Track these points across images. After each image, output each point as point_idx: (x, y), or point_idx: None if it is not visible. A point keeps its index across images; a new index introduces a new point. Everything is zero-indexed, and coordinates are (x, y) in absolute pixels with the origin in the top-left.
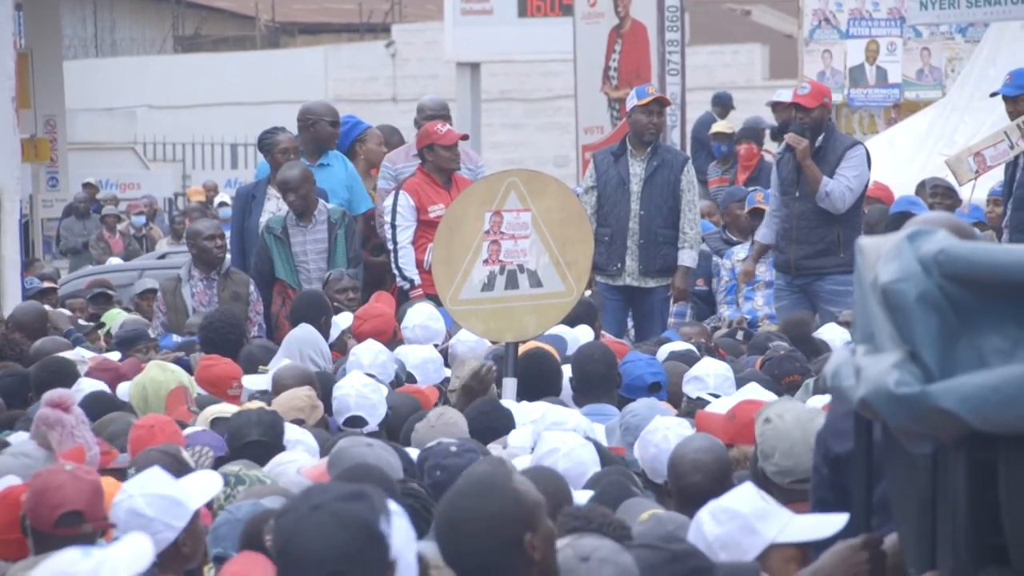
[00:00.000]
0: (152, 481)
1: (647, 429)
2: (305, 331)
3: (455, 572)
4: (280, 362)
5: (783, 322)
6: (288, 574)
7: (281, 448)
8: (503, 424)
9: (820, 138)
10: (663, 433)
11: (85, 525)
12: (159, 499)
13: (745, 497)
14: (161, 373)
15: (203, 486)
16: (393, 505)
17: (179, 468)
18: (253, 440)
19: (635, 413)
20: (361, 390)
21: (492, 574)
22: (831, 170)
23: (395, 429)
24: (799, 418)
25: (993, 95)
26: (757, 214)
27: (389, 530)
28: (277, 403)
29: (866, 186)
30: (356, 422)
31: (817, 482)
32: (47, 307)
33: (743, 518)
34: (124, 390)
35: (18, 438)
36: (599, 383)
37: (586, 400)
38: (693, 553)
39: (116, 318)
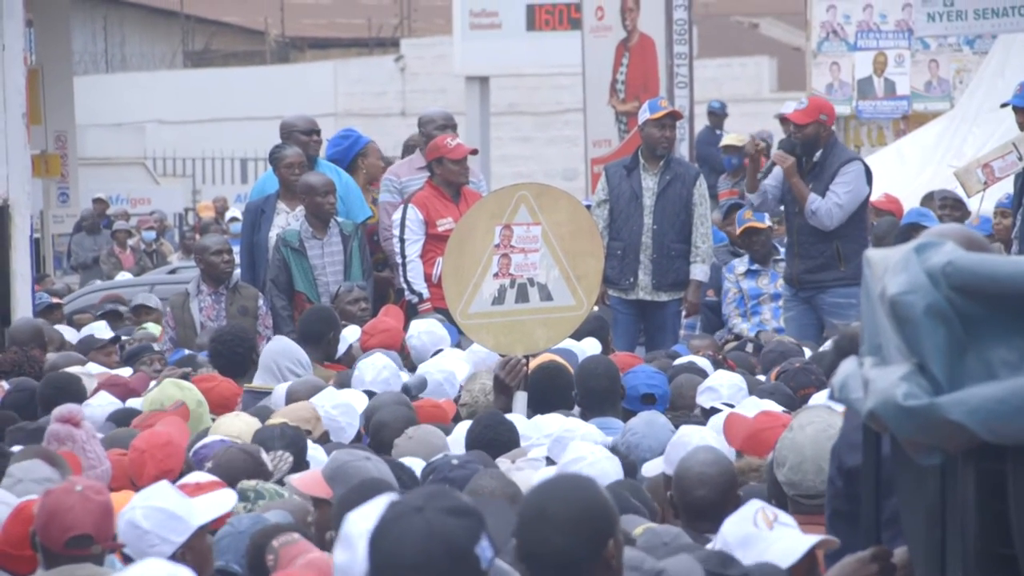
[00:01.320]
0: (156, 495)
1: (677, 437)
2: (279, 343)
3: (529, 567)
4: (262, 376)
5: (838, 337)
6: (370, 565)
7: (304, 462)
8: (507, 437)
9: (818, 154)
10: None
11: (95, 547)
12: (157, 512)
13: (738, 520)
14: (177, 391)
15: (213, 504)
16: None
17: (256, 470)
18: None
19: (634, 431)
20: (330, 412)
21: (568, 569)
22: (825, 186)
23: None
24: (816, 434)
25: (1003, 106)
26: (750, 233)
27: (484, 555)
28: (283, 415)
29: (864, 201)
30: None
31: (832, 493)
32: (42, 322)
33: (728, 548)
34: (138, 405)
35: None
36: (603, 397)
37: (591, 415)
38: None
39: (153, 331)
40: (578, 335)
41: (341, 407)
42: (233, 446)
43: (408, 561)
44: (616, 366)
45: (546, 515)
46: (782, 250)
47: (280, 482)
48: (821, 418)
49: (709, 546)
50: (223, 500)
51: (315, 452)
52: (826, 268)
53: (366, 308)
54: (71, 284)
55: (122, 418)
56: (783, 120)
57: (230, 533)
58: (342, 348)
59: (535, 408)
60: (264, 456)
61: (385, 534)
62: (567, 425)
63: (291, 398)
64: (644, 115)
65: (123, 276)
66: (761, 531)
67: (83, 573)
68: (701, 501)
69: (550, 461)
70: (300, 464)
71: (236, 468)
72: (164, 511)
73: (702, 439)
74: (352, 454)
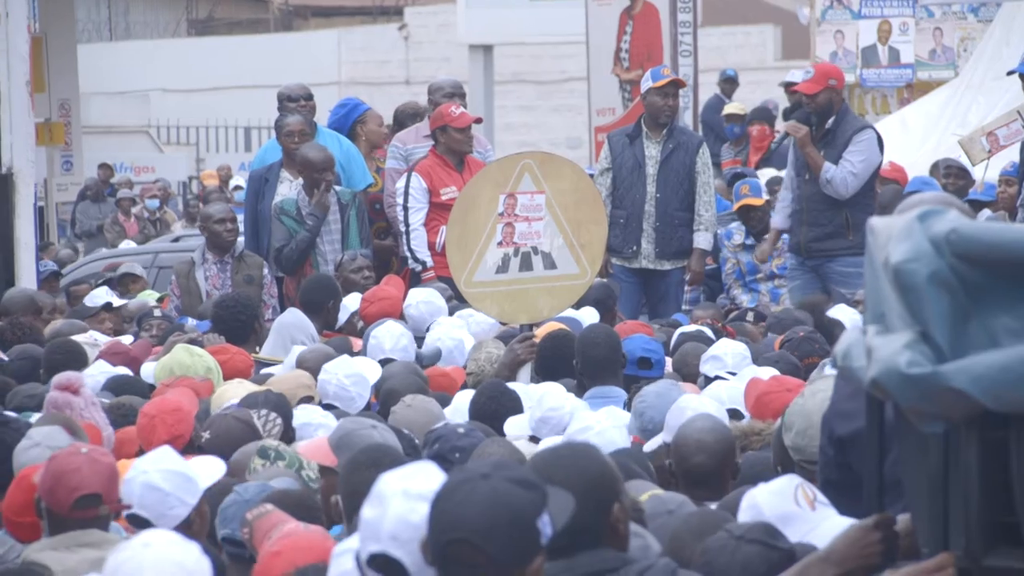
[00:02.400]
0: (165, 458)
1: (676, 405)
2: (293, 316)
3: None
4: (272, 347)
5: (799, 303)
6: (431, 525)
7: (291, 427)
8: (510, 407)
9: (831, 121)
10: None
11: (102, 507)
12: (174, 475)
13: (778, 496)
14: (188, 357)
15: (209, 467)
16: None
17: (251, 435)
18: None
19: (644, 399)
20: (343, 380)
21: (576, 536)
22: (839, 154)
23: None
24: (825, 401)
25: (1010, 74)
26: (747, 209)
27: (545, 529)
28: (280, 382)
29: (876, 170)
30: (330, 409)
31: (823, 463)
32: (34, 291)
33: (764, 519)
34: (149, 371)
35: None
36: (604, 366)
37: (592, 383)
38: (794, 555)
39: (146, 298)
40: (585, 303)
41: (353, 376)
42: (227, 415)
43: (471, 524)
44: (617, 335)
45: (552, 480)
46: None
47: None
48: (830, 386)
49: (742, 516)
50: (217, 466)
51: (308, 416)
52: (834, 236)
53: (369, 276)
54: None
55: (117, 387)
56: (788, 89)
57: (236, 501)
58: (343, 317)
59: (542, 376)
60: (256, 421)
61: (450, 497)
62: (551, 403)
63: (300, 366)
64: (647, 83)
65: (127, 244)
66: (804, 511)
67: (90, 540)
68: (699, 468)
69: (533, 439)
70: (287, 430)
71: (233, 436)
72: (180, 473)
73: (700, 406)
74: (358, 422)
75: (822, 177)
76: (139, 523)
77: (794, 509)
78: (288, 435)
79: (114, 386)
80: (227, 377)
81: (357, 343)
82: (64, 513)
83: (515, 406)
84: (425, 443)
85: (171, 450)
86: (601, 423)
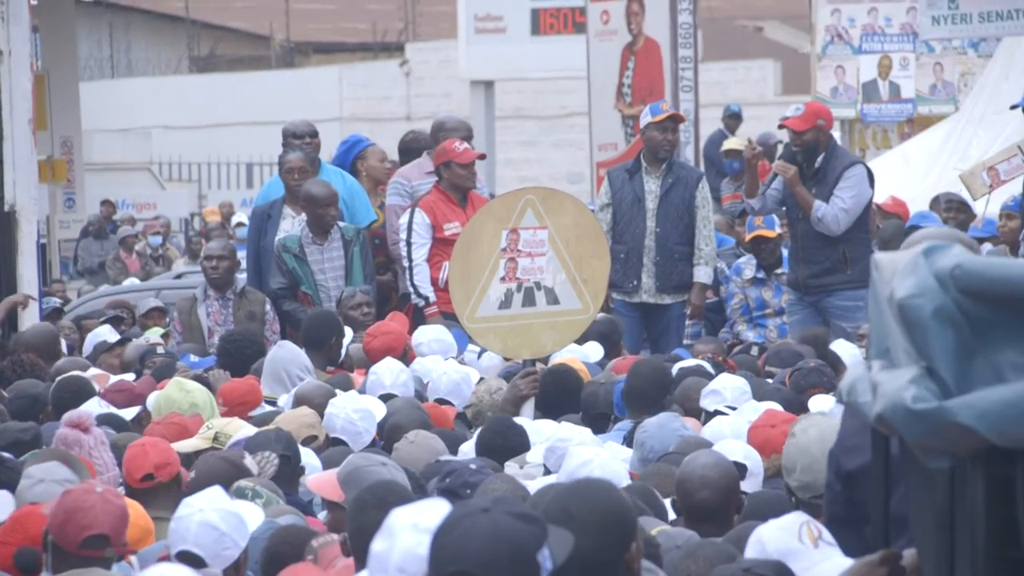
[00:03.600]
0: (219, 497)
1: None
2: (285, 350)
3: (552, 568)
4: (265, 383)
5: (800, 337)
6: (431, 559)
7: (300, 464)
8: (516, 442)
9: (820, 159)
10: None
11: (108, 550)
12: (230, 515)
13: (782, 532)
14: (177, 392)
15: (251, 511)
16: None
17: (237, 476)
18: (278, 455)
19: (645, 429)
20: (351, 415)
21: (591, 571)
22: (829, 190)
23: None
24: (822, 434)
25: (1013, 108)
26: (759, 240)
27: (545, 564)
28: (285, 420)
29: (868, 204)
30: (338, 443)
31: (830, 498)
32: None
33: (766, 555)
34: (151, 405)
35: (42, 459)
36: (648, 400)
37: (633, 416)
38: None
39: (157, 334)
40: (590, 338)
41: (361, 412)
42: (213, 454)
43: (472, 557)
44: (666, 371)
45: (571, 516)
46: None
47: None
48: (820, 421)
49: (748, 551)
50: (256, 512)
51: (309, 458)
52: (832, 272)
53: (368, 312)
54: (79, 289)
55: (106, 424)
56: (782, 126)
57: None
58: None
59: (544, 411)
60: (248, 460)
61: (451, 530)
62: (561, 434)
63: (299, 402)
64: (646, 118)
65: (129, 281)
66: (806, 547)
67: None
68: (704, 504)
69: (547, 470)
70: (295, 469)
71: (216, 475)
72: (235, 514)
73: (594, 455)
74: (367, 458)
75: (813, 216)
76: (191, 561)
77: (797, 546)
78: (298, 473)
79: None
80: (236, 402)
81: (357, 380)
82: (71, 550)
83: (522, 441)
84: (434, 475)
85: (221, 490)
86: (600, 456)
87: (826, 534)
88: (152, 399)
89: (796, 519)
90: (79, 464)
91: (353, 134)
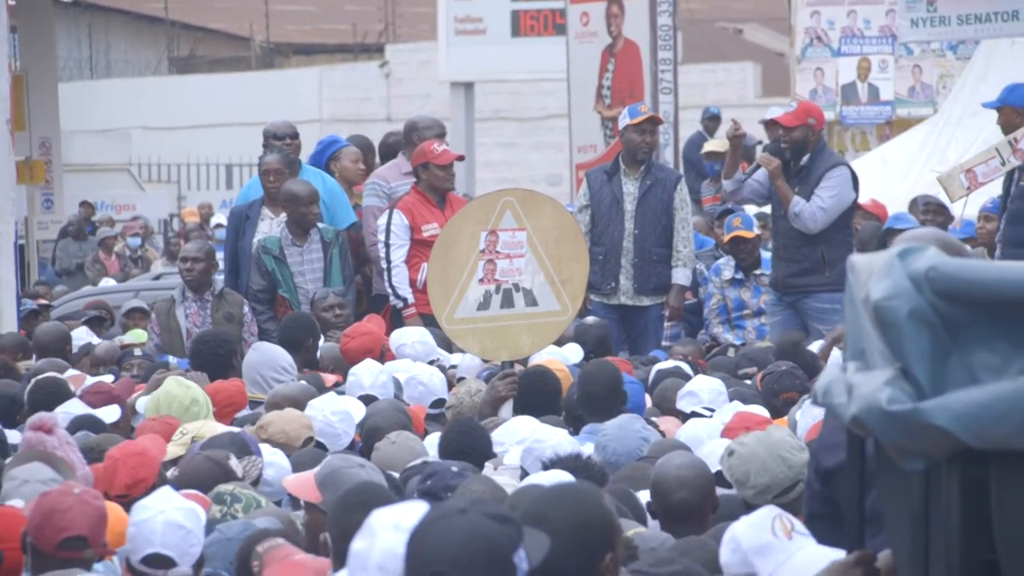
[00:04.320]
0: (174, 496)
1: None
2: (258, 353)
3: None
4: (248, 386)
5: (776, 343)
6: (407, 560)
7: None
8: (481, 445)
9: (806, 157)
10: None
11: (87, 551)
12: (190, 511)
13: (754, 528)
14: (176, 387)
15: (200, 505)
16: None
17: (223, 477)
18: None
19: (605, 433)
20: (329, 417)
21: None
22: (811, 189)
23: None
24: (758, 438)
25: (986, 106)
26: (737, 241)
27: (521, 565)
28: (283, 421)
29: (850, 207)
30: (317, 446)
31: (809, 496)
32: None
33: (741, 552)
34: (142, 405)
35: (23, 461)
36: (602, 403)
37: (591, 419)
38: (685, 573)
39: (141, 338)
40: (587, 342)
41: (340, 414)
42: (199, 454)
43: (448, 557)
44: (618, 373)
45: (544, 520)
46: (766, 258)
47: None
48: (751, 433)
49: (723, 550)
50: (203, 500)
51: (277, 459)
52: (811, 273)
53: (341, 315)
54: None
55: (82, 426)
56: (768, 125)
57: (218, 540)
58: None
59: (523, 413)
60: (233, 462)
61: (427, 531)
62: (538, 435)
63: (272, 403)
64: (624, 120)
65: (107, 282)
66: (780, 541)
67: None
68: (681, 504)
69: (524, 472)
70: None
71: (201, 476)
72: (192, 511)
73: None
74: (346, 460)
75: (790, 211)
76: (160, 564)
77: (771, 540)
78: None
79: (77, 427)
80: (224, 403)
81: (328, 379)
82: (49, 551)
83: (485, 444)
84: (421, 479)
85: (172, 489)
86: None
87: (799, 525)
88: (145, 398)
89: (768, 513)
90: (61, 463)
91: (330, 135)
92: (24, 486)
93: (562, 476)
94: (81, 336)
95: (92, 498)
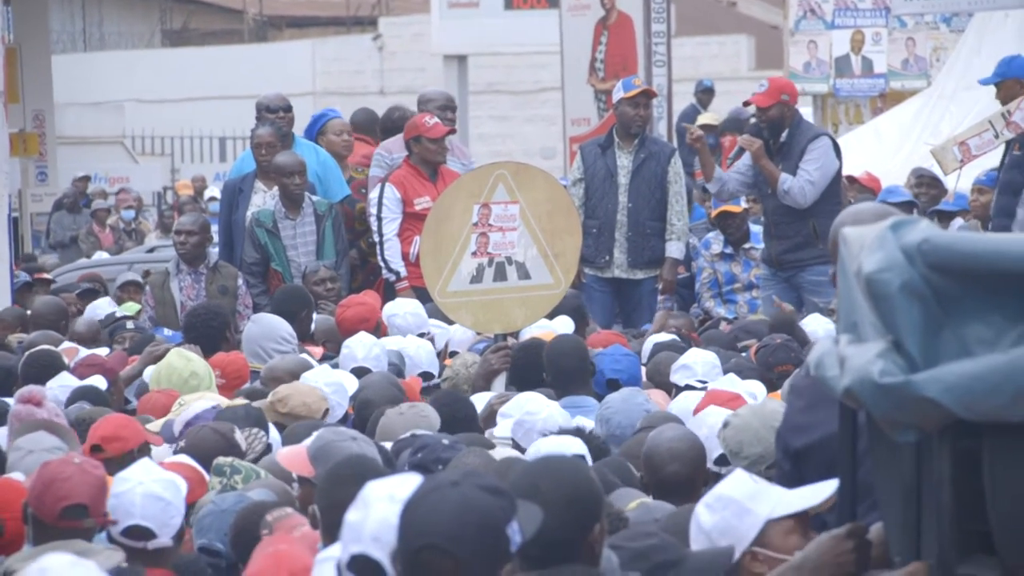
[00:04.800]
0: (152, 468)
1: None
2: (258, 326)
3: None
4: (249, 360)
5: (771, 319)
6: (400, 533)
7: (268, 443)
8: (465, 414)
9: (784, 134)
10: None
11: (88, 520)
12: (170, 484)
13: (737, 482)
14: (177, 360)
15: (182, 482)
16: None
17: (228, 449)
18: None
19: (609, 405)
20: (323, 389)
21: (552, 548)
22: (795, 164)
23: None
24: (752, 410)
25: (982, 83)
26: (725, 216)
27: (514, 536)
28: (302, 395)
29: (836, 176)
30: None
31: (779, 477)
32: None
33: (736, 502)
34: (148, 374)
35: (26, 431)
36: (573, 376)
37: (562, 394)
38: (659, 547)
39: (133, 310)
40: (559, 313)
41: (333, 386)
42: (205, 425)
43: (441, 529)
44: (584, 345)
45: (538, 492)
46: (755, 231)
47: (255, 461)
48: (745, 406)
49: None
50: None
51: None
52: (804, 247)
53: (332, 288)
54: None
55: (81, 397)
56: (747, 103)
57: (213, 511)
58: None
59: (516, 386)
60: (238, 435)
61: (420, 503)
62: (529, 407)
63: (268, 375)
64: (618, 94)
65: (100, 255)
66: (763, 484)
67: (73, 549)
68: (673, 477)
69: (516, 443)
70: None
71: (207, 447)
72: (172, 483)
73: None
74: (338, 433)
75: (779, 188)
76: (140, 535)
77: (756, 487)
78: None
79: (74, 399)
80: (230, 383)
81: (315, 351)
82: (50, 521)
83: (471, 414)
84: (412, 451)
85: (151, 461)
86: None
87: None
88: (153, 370)
89: (739, 472)
90: (65, 431)
91: (326, 108)
92: (29, 456)
93: (573, 443)
94: (103, 307)
95: (92, 467)
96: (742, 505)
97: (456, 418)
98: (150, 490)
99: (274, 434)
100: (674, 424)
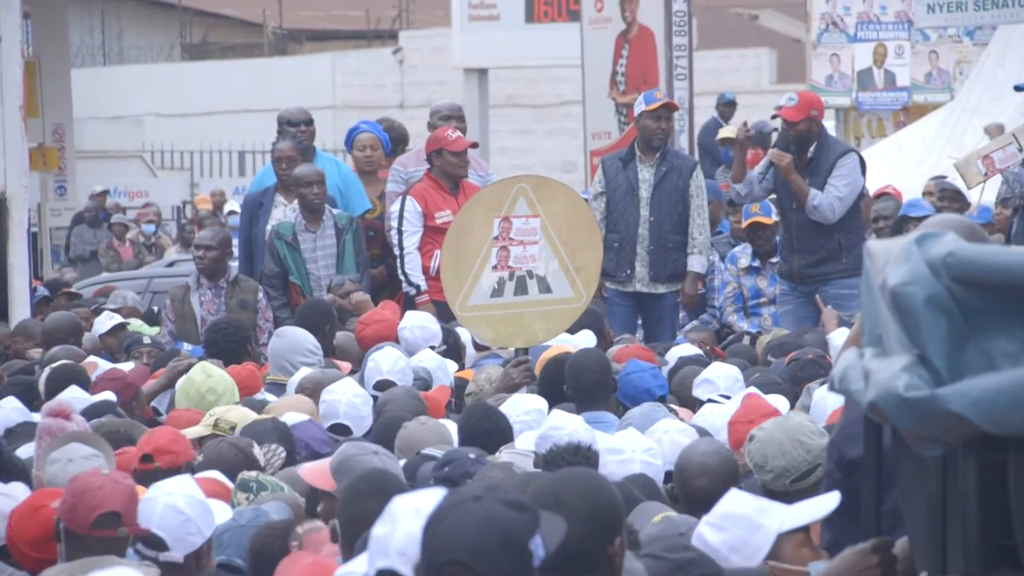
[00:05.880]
0: (188, 484)
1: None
2: (283, 340)
3: None
4: (274, 373)
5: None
6: (423, 548)
7: (295, 456)
8: (502, 426)
9: (812, 149)
10: (660, 436)
11: (121, 528)
12: (197, 502)
13: (739, 500)
14: (198, 375)
15: (219, 507)
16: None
17: (246, 464)
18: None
19: (630, 421)
20: (352, 400)
21: (573, 560)
22: (823, 179)
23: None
24: (777, 423)
25: (1017, 89)
26: (756, 227)
27: (537, 551)
28: (280, 407)
29: (861, 193)
30: (340, 430)
31: (828, 486)
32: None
33: (745, 518)
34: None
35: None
36: (594, 391)
37: (583, 409)
38: (698, 561)
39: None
40: (576, 328)
41: (361, 396)
42: (224, 440)
43: (464, 545)
44: (606, 359)
45: (561, 502)
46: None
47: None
48: (771, 420)
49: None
50: (223, 508)
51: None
52: (827, 261)
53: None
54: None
55: (96, 412)
56: (776, 115)
57: (232, 527)
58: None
59: (547, 400)
60: (256, 450)
61: (443, 518)
62: (553, 422)
63: (301, 388)
64: (640, 107)
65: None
66: (764, 500)
67: (106, 565)
68: (702, 491)
69: (538, 456)
70: (292, 457)
71: (226, 462)
72: (201, 502)
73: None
74: (360, 447)
75: (808, 204)
76: (153, 544)
77: (760, 502)
78: (292, 463)
79: (93, 412)
80: (248, 386)
81: (344, 366)
82: (84, 531)
83: (506, 425)
84: (437, 466)
85: (191, 478)
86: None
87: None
88: (178, 389)
89: (735, 491)
90: (96, 439)
91: (360, 120)
92: (70, 465)
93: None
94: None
95: (123, 478)
96: (752, 520)
97: (496, 430)
98: (173, 502)
99: None
100: (709, 439)
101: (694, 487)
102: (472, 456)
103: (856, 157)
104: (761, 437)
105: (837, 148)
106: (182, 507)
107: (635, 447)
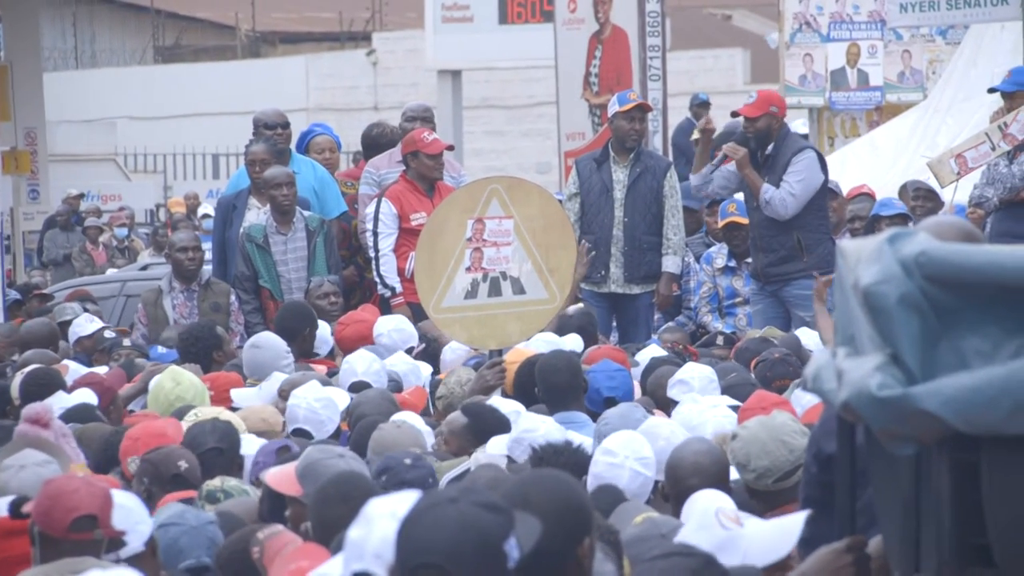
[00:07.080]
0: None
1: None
2: (263, 349)
3: None
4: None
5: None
6: (398, 551)
7: (238, 456)
8: (501, 420)
9: (771, 146)
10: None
11: (97, 531)
12: (123, 495)
13: (703, 530)
14: (167, 381)
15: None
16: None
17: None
18: (211, 447)
19: (607, 421)
20: (313, 404)
21: (542, 560)
22: (779, 176)
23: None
24: (761, 422)
25: (991, 91)
26: (732, 227)
27: (512, 553)
28: (245, 415)
29: (820, 190)
30: (301, 434)
31: (806, 480)
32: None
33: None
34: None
35: (13, 450)
36: (565, 392)
37: (555, 410)
38: (715, 560)
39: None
40: (568, 330)
41: (323, 400)
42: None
43: (439, 547)
44: (577, 361)
45: (529, 503)
46: None
47: None
48: (755, 417)
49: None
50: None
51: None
52: (788, 260)
53: (336, 303)
54: (31, 278)
55: (76, 416)
56: (736, 114)
57: (186, 531)
58: (323, 348)
59: (521, 402)
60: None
61: (417, 521)
62: (525, 424)
63: (280, 392)
64: (613, 108)
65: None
66: (733, 530)
67: (83, 567)
68: (694, 491)
69: (511, 460)
70: (234, 459)
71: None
72: (126, 495)
73: (672, 433)
74: (325, 451)
75: (761, 198)
76: (111, 547)
77: (724, 534)
78: (236, 464)
79: (73, 416)
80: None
81: (321, 368)
82: (60, 534)
83: (504, 421)
84: (374, 475)
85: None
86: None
87: (737, 511)
88: (149, 394)
89: (706, 512)
90: (50, 445)
91: (313, 123)
92: (22, 472)
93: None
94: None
95: (97, 481)
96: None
97: (488, 427)
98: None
99: (247, 448)
100: (701, 438)
101: (686, 486)
102: (408, 462)
103: (813, 154)
104: (744, 436)
105: (794, 146)
106: (119, 501)
107: (629, 452)
